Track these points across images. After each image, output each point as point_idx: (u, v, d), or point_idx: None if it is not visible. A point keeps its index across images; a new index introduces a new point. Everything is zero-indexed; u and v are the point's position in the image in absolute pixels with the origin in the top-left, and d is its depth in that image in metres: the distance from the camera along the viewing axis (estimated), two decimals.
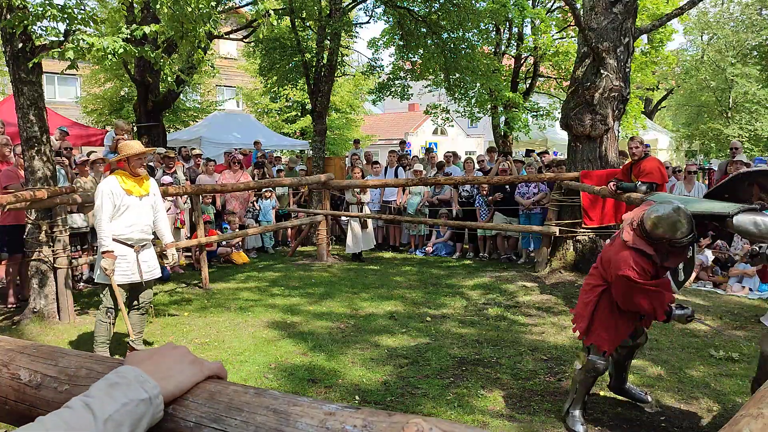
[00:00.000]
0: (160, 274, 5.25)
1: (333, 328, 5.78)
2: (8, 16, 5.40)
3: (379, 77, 16.37)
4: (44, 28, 5.91)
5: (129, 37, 5.82)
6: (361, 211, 9.46)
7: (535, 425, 3.68)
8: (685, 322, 3.47)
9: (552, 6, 16.85)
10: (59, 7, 5.45)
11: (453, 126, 22.16)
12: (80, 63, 5.87)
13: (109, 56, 5.62)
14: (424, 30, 12.48)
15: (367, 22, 20.33)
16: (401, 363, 4.79)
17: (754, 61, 21.78)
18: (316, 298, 7.06)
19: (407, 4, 12.69)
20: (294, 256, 9.98)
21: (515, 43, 16.03)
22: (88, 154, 8.55)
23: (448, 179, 9.64)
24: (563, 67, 15.41)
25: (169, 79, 6.94)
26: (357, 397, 4.13)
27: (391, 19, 13.69)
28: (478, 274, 8.34)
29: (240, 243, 9.77)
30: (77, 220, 7.43)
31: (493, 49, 15.78)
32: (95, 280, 5.01)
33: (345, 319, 6.12)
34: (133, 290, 4.94)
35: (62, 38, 5.73)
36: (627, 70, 7.85)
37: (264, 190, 10.45)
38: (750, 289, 7.20)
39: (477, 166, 10.60)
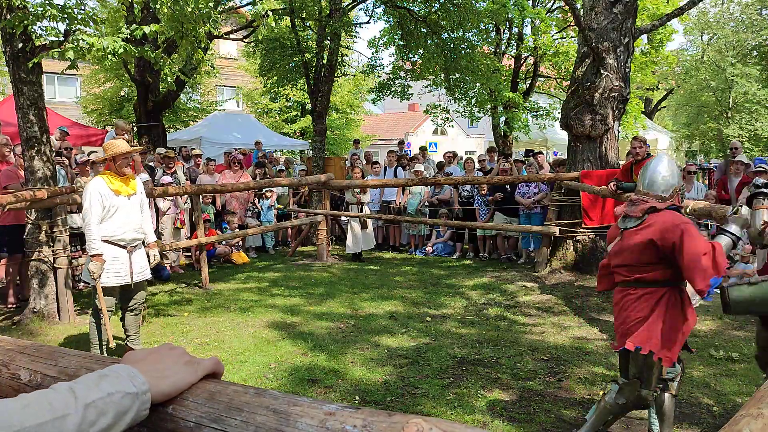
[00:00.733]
0: (151, 275, 5.21)
1: (333, 328, 5.78)
2: (8, 16, 5.39)
3: (379, 77, 16.38)
4: (44, 28, 5.90)
5: (129, 37, 5.82)
6: (361, 211, 9.46)
7: (535, 425, 3.68)
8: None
9: (552, 6, 16.85)
10: (59, 7, 5.45)
11: (453, 126, 22.15)
12: (80, 63, 5.86)
13: (109, 56, 5.61)
14: (424, 30, 12.49)
15: (367, 22, 20.31)
16: (401, 363, 4.79)
17: (754, 61, 21.80)
18: (316, 298, 7.06)
19: (407, 4, 12.69)
20: (294, 256, 9.98)
21: (515, 43, 16.03)
22: (89, 154, 8.55)
23: (448, 179, 9.64)
24: (563, 67, 15.41)
25: (168, 79, 6.94)
26: (357, 397, 4.13)
27: (391, 19, 13.69)
28: (478, 274, 8.34)
29: (240, 243, 9.77)
30: (77, 220, 7.42)
31: (493, 49, 15.78)
32: (87, 282, 4.91)
33: (345, 319, 6.12)
34: (126, 292, 4.89)
35: (62, 38, 5.73)
36: (627, 70, 7.85)
37: (265, 190, 10.46)
38: None
39: (477, 166, 10.61)
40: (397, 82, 15.18)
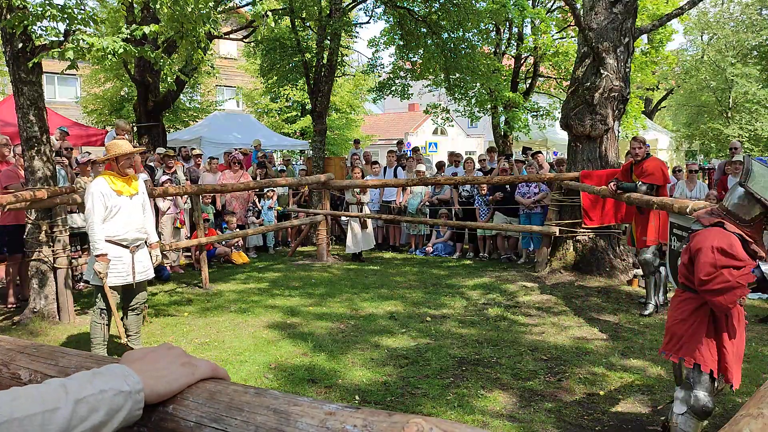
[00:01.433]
0: (154, 275, 5.22)
1: (333, 329, 5.78)
2: (8, 16, 5.39)
3: (379, 77, 16.38)
4: (44, 28, 5.90)
5: (129, 37, 5.82)
6: (361, 211, 9.46)
7: (535, 425, 3.68)
8: None
9: (552, 6, 16.86)
10: (59, 7, 5.45)
11: (453, 126, 22.17)
12: (80, 63, 5.86)
13: (109, 56, 5.61)
14: (424, 30, 12.49)
15: (367, 22, 20.32)
16: (401, 363, 4.79)
17: (754, 61, 21.78)
18: (316, 298, 7.06)
19: (407, 4, 12.70)
20: (294, 256, 9.99)
21: (515, 43, 16.03)
22: (87, 153, 8.55)
23: (448, 179, 9.64)
24: (563, 67, 15.42)
25: (168, 79, 6.94)
26: (357, 397, 4.13)
27: (391, 19, 13.69)
28: (478, 274, 8.34)
29: (240, 243, 9.77)
30: (77, 220, 7.43)
31: (493, 49, 15.79)
32: (90, 282, 4.94)
33: (345, 319, 6.12)
34: (128, 291, 4.90)
35: (62, 38, 5.73)
36: (627, 70, 7.85)
37: (266, 190, 10.46)
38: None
39: (477, 166, 10.61)
40: (397, 81, 15.19)
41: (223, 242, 9.17)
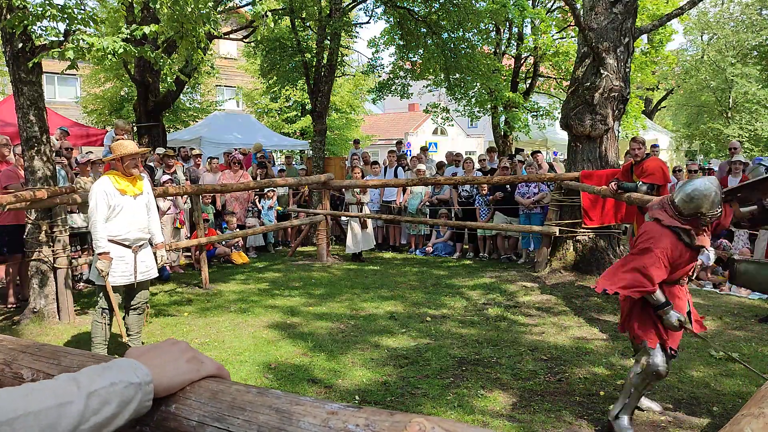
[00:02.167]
0: (157, 274, 5.23)
1: (333, 329, 5.79)
2: (8, 16, 5.39)
3: (379, 77, 16.37)
4: (44, 28, 5.91)
5: (129, 37, 5.82)
6: (361, 211, 9.46)
7: (535, 425, 3.68)
8: (674, 328, 3.38)
9: (552, 6, 16.86)
10: (59, 7, 5.45)
11: (453, 126, 22.17)
12: (80, 63, 5.86)
13: (109, 56, 5.61)
14: (424, 30, 12.49)
15: (367, 22, 20.34)
16: (401, 363, 4.79)
17: (754, 61, 21.79)
18: (316, 298, 7.06)
19: (407, 4, 12.70)
20: (294, 256, 9.99)
21: (515, 43, 16.04)
22: (87, 153, 8.55)
23: (448, 179, 9.64)
24: (563, 67, 15.42)
25: (168, 79, 6.94)
26: (357, 398, 4.13)
27: (391, 19, 13.69)
28: (478, 274, 8.34)
29: (240, 243, 9.77)
30: (77, 220, 7.43)
31: (493, 49, 15.79)
32: (93, 281, 4.96)
33: (345, 319, 6.12)
34: (130, 291, 4.92)
35: (62, 38, 5.73)
36: (627, 70, 7.85)
37: (267, 190, 10.46)
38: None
39: (477, 166, 10.61)
40: (397, 81, 15.19)
41: (223, 242, 9.18)
